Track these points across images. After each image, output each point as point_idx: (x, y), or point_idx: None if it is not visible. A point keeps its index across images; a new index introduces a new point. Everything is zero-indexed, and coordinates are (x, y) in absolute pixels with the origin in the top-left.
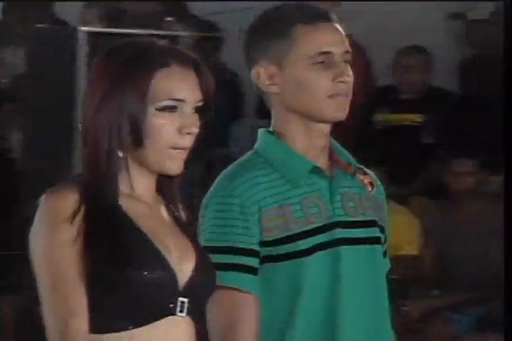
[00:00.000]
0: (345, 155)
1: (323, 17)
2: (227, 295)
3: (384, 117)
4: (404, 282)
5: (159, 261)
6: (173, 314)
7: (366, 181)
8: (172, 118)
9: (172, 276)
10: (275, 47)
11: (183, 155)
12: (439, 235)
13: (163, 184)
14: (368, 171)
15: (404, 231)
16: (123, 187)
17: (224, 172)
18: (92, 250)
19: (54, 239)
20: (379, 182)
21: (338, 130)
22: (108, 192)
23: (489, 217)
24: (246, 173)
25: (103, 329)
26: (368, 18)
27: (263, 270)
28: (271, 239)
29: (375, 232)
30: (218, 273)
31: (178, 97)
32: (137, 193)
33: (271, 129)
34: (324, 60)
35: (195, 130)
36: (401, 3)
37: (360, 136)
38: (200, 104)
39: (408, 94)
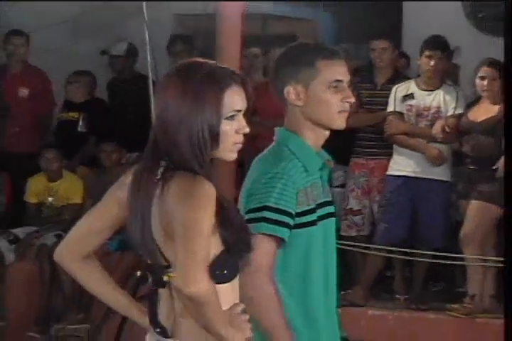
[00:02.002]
0: (326, 154)
1: (338, 54)
2: (272, 239)
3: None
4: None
5: (246, 228)
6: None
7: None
8: (233, 124)
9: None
10: (303, 73)
11: (239, 147)
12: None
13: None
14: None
15: (73, 188)
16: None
17: (261, 158)
18: (222, 224)
19: (205, 212)
20: None
21: None
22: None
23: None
24: (286, 161)
25: (220, 281)
26: None
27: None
28: (299, 210)
29: (335, 208)
30: (266, 224)
31: (239, 108)
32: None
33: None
34: (337, 85)
35: (247, 129)
36: None
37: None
38: (244, 112)
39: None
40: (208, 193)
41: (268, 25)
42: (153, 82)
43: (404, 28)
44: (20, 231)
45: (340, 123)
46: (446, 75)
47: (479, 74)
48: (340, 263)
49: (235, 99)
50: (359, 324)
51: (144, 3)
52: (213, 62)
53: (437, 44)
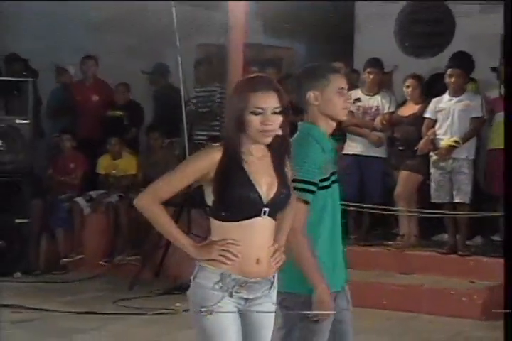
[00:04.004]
0: (332, 139)
1: (340, 71)
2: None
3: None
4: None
5: (252, 189)
6: (260, 216)
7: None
8: (258, 118)
9: (258, 196)
10: (319, 83)
11: (267, 134)
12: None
13: (273, 147)
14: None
15: (130, 164)
16: (246, 150)
17: (294, 142)
18: (218, 180)
19: (185, 164)
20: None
21: None
22: (235, 151)
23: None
24: (312, 145)
25: (225, 220)
26: None
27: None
28: (320, 178)
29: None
30: (299, 192)
31: (261, 106)
32: (253, 152)
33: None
34: (341, 91)
35: (270, 123)
36: None
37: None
38: (278, 109)
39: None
40: (200, 154)
41: (262, 51)
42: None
43: (355, 53)
44: (93, 193)
45: (343, 116)
46: (383, 84)
47: (405, 84)
48: None
49: (259, 100)
50: None
51: (178, 37)
52: (262, 75)
53: (374, 64)
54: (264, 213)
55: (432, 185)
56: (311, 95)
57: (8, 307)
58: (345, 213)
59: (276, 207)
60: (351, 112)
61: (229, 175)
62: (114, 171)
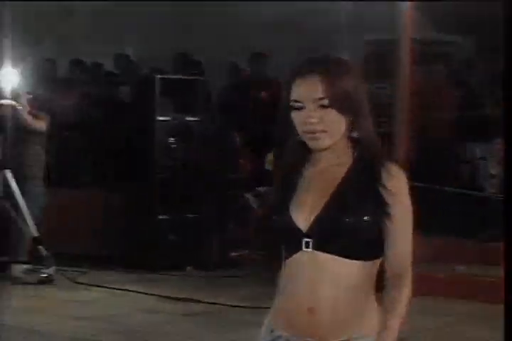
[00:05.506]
0: None
1: None
2: None
3: None
4: None
5: (284, 210)
6: (301, 249)
7: None
8: (300, 114)
9: (292, 223)
10: None
11: (312, 136)
12: None
13: (363, 152)
14: None
15: None
16: (313, 157)
17: None
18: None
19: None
20: None
21: None
22: (287, 160)
23: None
24: None
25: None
26: None
27: None
28: None
29: None
30: None
31: (295, 98)
32: (321, 160)
33: None
34: None
35: (313, 120)
36: None
37: None
38: (324, 101)
39: None
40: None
41: (430, 47)
42: None
43: None
44: (262, 189)
45: None
46: None
47: None
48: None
49: (295, 89)
50: None
51: (345, 33)
52: (318, 56)
53: None
54: (307, 246)
55: None
56: None
57: (181, 301)
58: None
59: (327, 239)
60: None
61: (275, 192)
62: None
